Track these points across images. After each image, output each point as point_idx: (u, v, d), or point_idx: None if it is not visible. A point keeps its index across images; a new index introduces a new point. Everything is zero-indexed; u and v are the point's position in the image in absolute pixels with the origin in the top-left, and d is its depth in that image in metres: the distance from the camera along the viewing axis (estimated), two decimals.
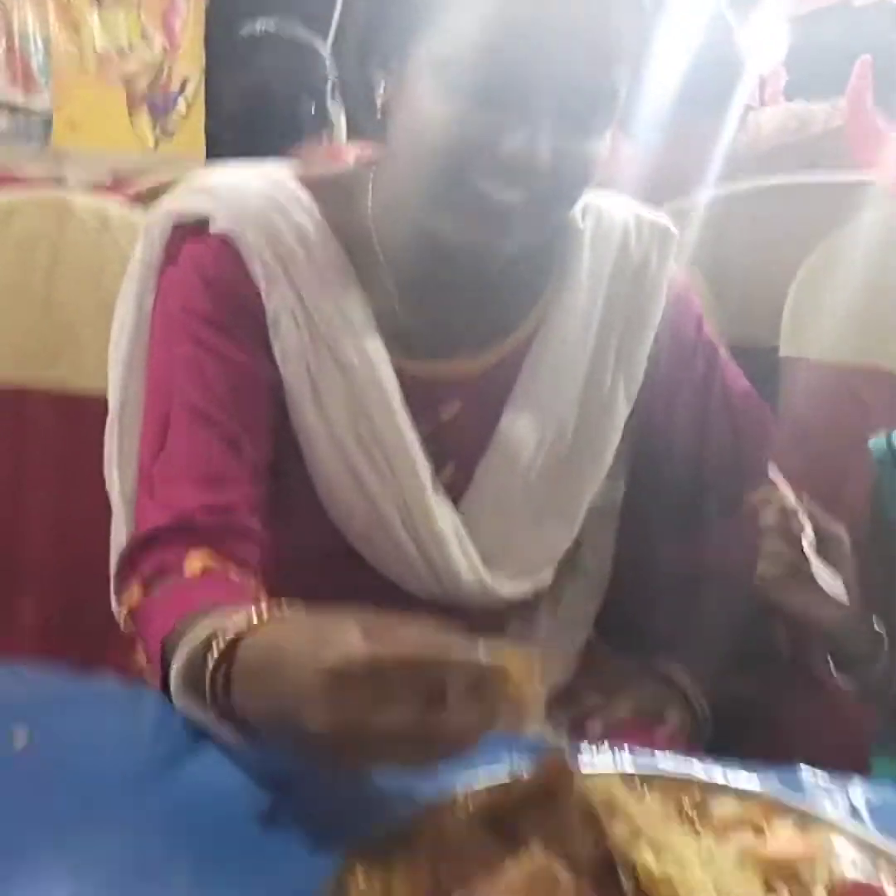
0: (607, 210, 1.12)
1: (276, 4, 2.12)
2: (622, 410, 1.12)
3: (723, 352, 1.17)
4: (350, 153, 1.09)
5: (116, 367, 1.09)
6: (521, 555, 1.11)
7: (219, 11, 3.45)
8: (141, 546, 0.97)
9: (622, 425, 1.12)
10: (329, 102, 1.90)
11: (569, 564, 1.17)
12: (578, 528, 1.14)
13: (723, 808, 0.75)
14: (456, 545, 1.06)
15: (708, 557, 1.20)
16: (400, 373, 1.04)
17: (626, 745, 0.81)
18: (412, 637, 0.66)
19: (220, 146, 2.12)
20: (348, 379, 1.02)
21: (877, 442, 1.07)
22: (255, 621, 0.74)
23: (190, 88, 3.70)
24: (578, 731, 1.07)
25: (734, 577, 1.16)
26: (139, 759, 0.82)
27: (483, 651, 0.65)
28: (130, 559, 0.97)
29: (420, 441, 1.04)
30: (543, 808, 0.68)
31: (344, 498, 1.04)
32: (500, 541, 1.09)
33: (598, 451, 1.12)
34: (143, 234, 1.07)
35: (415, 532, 1.05)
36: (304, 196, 1.04)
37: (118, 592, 0.98)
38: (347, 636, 0.66)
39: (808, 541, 0.99)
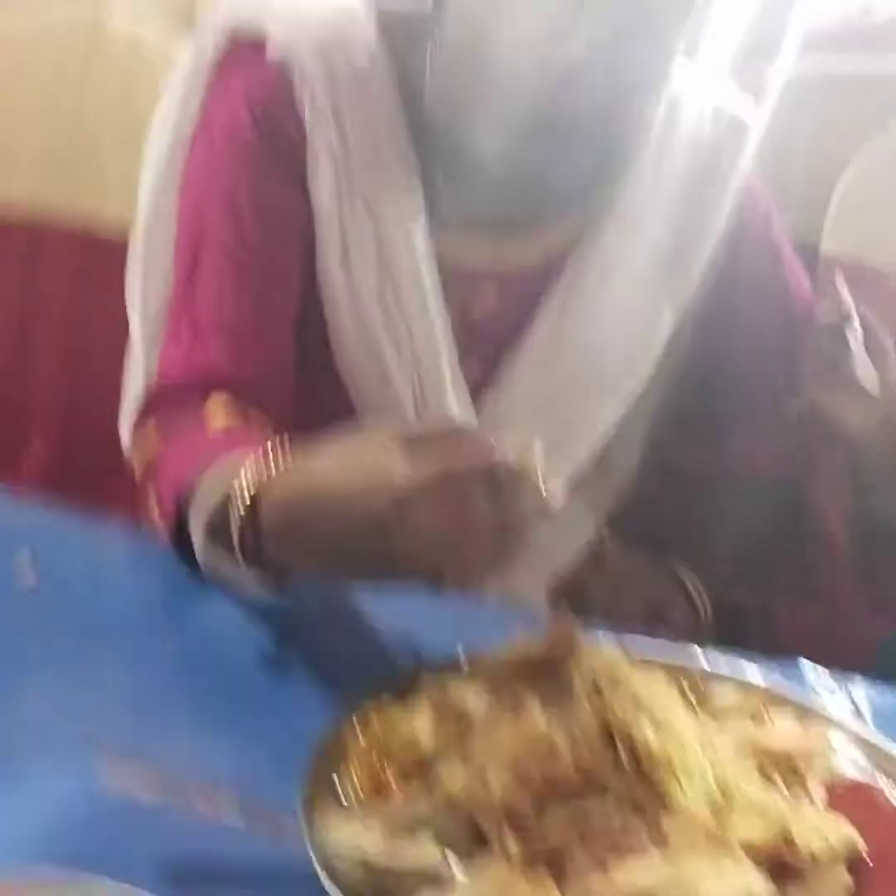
0: (684, 96, 1.03)
1: None
2: (667, 324, 1.06)
3: (790, 255, 1.11)
4: None
5: (150, 175, 1.05)
6: None
7: None
8: (162, 394, 0.95)
9: (665, 339, 1.06)
10: None
11: (594, 457, 1.13)
12: (601, 444, 1.09)
13: (723, 696, 0.74)
14: None
15: (732, 462, 1.18)
16: (437, 248, 0.99)
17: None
18: (454, 445, 0.67)
19: None
20: (380, 241, 0.97)
21: None
22: (279, 464, 0.72)
23: None
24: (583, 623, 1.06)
25: (754, 483, 1.14)
26: (144, 601, 0.82)
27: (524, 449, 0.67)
28: (149, 405, 0.95)
29: (447, 325, 1.00)
30: (546, 675, 0.68)
31: (360, 367, 1.01)
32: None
33: (634, 367, 1.06)
34: (194, 36, 1.01)
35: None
36: (373, 34, 0.97)
37: (133, 435, 0.97)
38: (396, 458, 0.66)
39: (856, 337, 0.99)
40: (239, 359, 0.94)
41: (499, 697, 0.67)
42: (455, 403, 1.02)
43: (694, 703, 0.73)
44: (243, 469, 0.74)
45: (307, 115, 0.95)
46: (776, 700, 0.73)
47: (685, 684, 0.74)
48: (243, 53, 0.97)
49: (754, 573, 1.14)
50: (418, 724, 0.65)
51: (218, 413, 0.90)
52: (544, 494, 0.68)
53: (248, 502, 0.72)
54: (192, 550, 0.77)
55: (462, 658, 0.73)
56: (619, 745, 0.63)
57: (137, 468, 0.93)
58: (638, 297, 1.04)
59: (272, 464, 0.73)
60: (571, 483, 1.08)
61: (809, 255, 1.25)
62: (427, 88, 0.95)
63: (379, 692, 0.70)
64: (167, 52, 1.27)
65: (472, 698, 0.66)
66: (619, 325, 1.04)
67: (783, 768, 0.67)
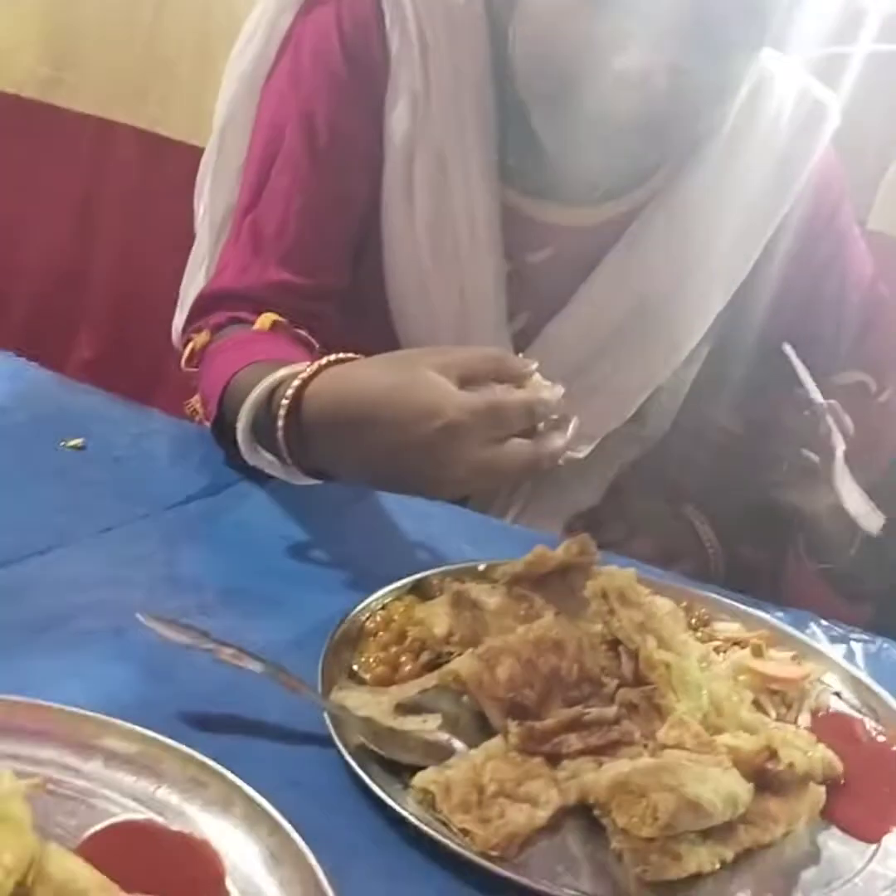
0: (770, 76, 1.01)
1: None
2: (716, 303, 1.06)
3: (854, 239, 1.10)
4: None
5: (232, 85, 1.06)
6: None
7: None
8: (216, 298, 0.97)
9: (718, 308, 1.06)
10: None
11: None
12: (634, 409, 1.10)
13: (727, 627, 0.78)
14: None
15: (756, 427, 1.19)
16: (501, 198, 0.99)
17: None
18: (497, 374, 0.70)
19: None
20: (447, 185, 0.97)
21: None
22: (326, 367, 0.74)
23: None
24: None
25: (773, 448, 1.17)
26: (183, 483, 0.85)
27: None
28: (203, 306, 0.98)
29: (499, 271, 1.00)
30: (559, 583, 0.71)
31: (408, 307, 1.02)
32: None
33: (679, 340, 1.06)
34: None
35: None
36: None
37: (185, 331, 1.00)
38: (447, 391, 0.68)
39: (840, 448, 0.98)
40: (293, 282, 0.95)
41: (513, 597, 0.70)
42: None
43: (697, 628, 0.77)
44: (291, 366, 0.77)
45: (394, 49, 0.95)
46: (776, 636, 0.77)
47: (691, 612, 0.78)
48: None
49: (765, 532, 1.17)
50: (434, 613, 0.69)
51: (267, 326, 0.91)
52: (570, 437, 0.72)
53: (293, 397, 0.73)
54: (234, 441, 0.79)
55: (480, 563, 0.77)
56: (621, 652, 0.67)
57: (185, 362, 0.96)
58: (697, 264, 1.03)
59: (320, 365, 0.75)
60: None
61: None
62: (509, 58, 0.94)
63: (399, 584, 0.74)
64: None
65: (488, 595, 0.70)
66: (674, 288, 1.04)
67: (775, 695, 0.71)
